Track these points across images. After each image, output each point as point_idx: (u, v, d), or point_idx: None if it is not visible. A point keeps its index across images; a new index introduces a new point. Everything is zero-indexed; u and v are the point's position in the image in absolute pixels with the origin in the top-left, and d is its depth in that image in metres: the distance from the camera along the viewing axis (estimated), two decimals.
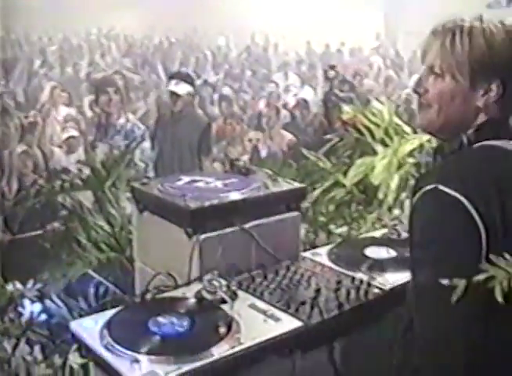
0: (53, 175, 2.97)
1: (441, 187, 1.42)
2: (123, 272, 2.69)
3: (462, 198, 1.40)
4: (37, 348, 2.13)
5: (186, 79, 5.96)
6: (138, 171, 4.42)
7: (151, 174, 5.17)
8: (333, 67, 8.06)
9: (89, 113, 7.51)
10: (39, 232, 3.41)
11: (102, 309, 2.04)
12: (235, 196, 2.06)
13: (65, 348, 2.13)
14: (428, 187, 1.45)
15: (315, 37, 17.17)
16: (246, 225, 2.01)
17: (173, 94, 5.73)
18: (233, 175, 2.25)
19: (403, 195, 2.96)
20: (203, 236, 1.94)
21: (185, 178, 2.20)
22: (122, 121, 5.19)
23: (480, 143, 1.53)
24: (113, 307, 1.85)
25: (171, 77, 6.12)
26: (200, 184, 2.15)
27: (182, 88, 5.82)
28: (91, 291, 2.63)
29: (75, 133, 6.52)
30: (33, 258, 2.78)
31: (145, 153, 5.07)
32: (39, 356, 2.09)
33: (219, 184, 2.15)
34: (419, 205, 1.48)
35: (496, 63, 1.51)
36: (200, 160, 5.77)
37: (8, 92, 9.50)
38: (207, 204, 1.97)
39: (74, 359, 1.77)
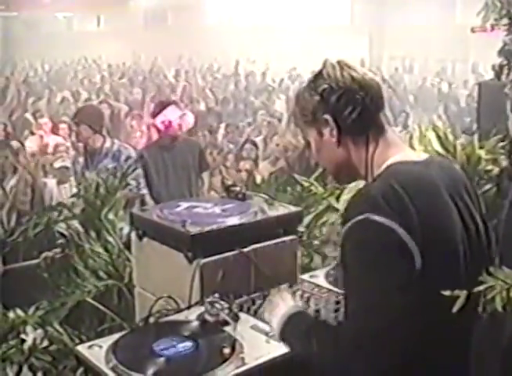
0: (49, 208, 3.00)
1: (371, 217, 1.51)
2: (121, 299, 2.72)
3: (394, 225, 1.49)
4: (40, 374, 2.16)
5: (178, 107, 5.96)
6: (131, 189, 4.44)
7: (144, 191, 5.19)
8: None
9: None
10: (36, 261, 3.43)
11: (101, 335, 2.07)
12: (233, 221, 2.10)
13: (67, 374, 2.16)
14: (359, 217, 1.53)
15: (300, 64, 17.34)
16: (245, 249, 2.05)
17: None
18: (230, 201, 2.29)
19: None
20: (203, 261, 1.98)
21: (184, 204, 2.24)
22: (108, 144, 5.20)
23: (389, 163, 1.67)
24: (112, 334, 1.88)
25: (162, 108, 6.05)
26: (199, 210, 2.19)
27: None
28: (90, 318, 2.66)
29: (68, 164, 6.52)
30: (30, 287, 2.79)
31: (135, 171, 5.07)
32: None
33: (217, 209, 2.19)
34: (351, 235, 1.56)
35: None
36: (201, 178, 5.85)
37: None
38: (206, 229, 2.01)
39: None
